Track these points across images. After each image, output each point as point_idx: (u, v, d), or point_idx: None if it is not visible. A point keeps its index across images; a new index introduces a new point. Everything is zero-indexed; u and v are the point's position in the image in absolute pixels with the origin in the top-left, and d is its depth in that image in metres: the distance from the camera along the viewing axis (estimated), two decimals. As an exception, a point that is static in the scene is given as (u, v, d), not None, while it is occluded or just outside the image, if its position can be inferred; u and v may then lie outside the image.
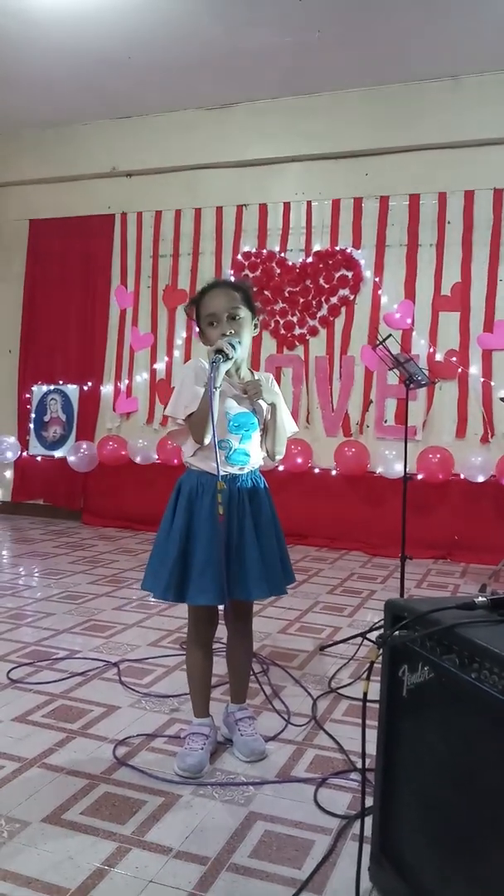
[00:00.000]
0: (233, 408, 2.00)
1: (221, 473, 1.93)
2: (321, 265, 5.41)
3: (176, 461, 5.52)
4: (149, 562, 2.06)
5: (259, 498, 2.03)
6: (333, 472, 5.27)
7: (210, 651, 2.11)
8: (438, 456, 4.95)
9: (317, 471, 5.32)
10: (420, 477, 4.90)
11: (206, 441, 1.94)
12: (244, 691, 2.19)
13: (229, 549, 1.95)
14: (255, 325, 2.06)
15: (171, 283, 5.89)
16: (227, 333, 1.96)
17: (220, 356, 1.88)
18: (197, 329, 2.09)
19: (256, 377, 2.06)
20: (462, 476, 4.93)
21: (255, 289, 2.14)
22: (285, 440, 2.10)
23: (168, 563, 1.95)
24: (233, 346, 1.91)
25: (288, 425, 2.10)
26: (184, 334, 5.83)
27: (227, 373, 1.99)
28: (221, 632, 2.14)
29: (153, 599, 3.67)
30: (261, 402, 2.01)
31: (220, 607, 2.08)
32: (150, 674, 2.66)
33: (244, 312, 2.00)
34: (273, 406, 2.03)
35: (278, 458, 2.11)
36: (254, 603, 2.16)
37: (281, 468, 5.10)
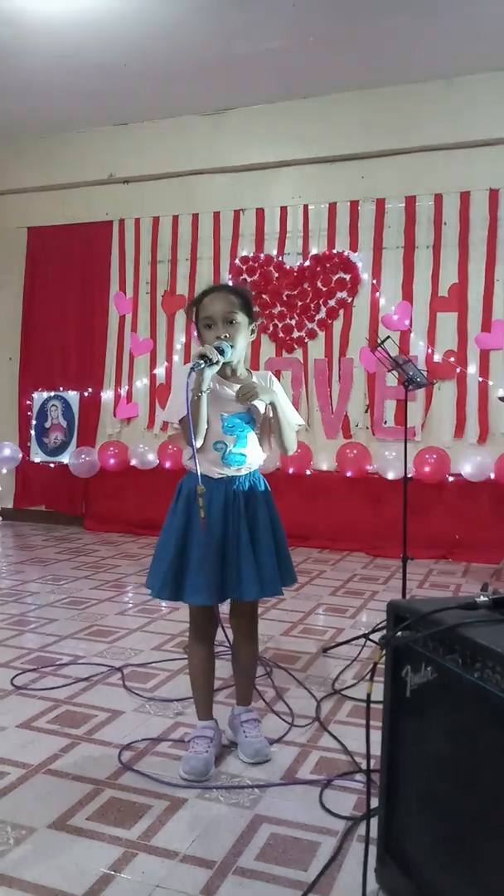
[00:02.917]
0: (227, 410, 2.02)
1: (218, 475, 2.01)
2: (319, 268, 5.43)
3: (173, 465, 5.53)
4: (151, 561, 2.09)
5: (256, 500, 2.05)
6: (334, 474, 5.26)
7: (210, 650, 2.11)
8: (442, 456, 4.95)
9: (318, 472, 5.32)
10: (423, 478, 4.90)
11: (198, 444, 1.97)
12: (250, 693, 2.19)
13: (225, 549, 1.98)
14: (253, 331, 2.08)
15: (169, 288, 5.90)
16: (221, 337, 1.97)
17: (203, 361, 1.88)
18: (195, 331, 2.11)
19: (254, 378, 2.07)
20: (461, 476, 4.93)
21: (253, 293, 2.15)
22: (293, 434, 2.10)
23: (165, 562, 1.99)
24: (221, 350, 1.92)
25: (292, 419, 2.11)
26: (183, 339, 5.84)
27: (223, 375, 2.02)
28: (222, 635, 2.14)
29: (155, 603, 3.69)
30: (257, 403, 2.02)
31: (224, 609, 2.10)
32: (153, 678, 2.66)
33: (241, 317, 2.01)
34: (272, 405, 2.03)
35: (291, 452, 2.12)
36: (258, 605, 2.17)
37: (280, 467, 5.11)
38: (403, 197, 5.23)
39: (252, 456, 2.06)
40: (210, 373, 1.92)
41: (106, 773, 1.95)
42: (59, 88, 5.26)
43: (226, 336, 1.97)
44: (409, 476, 3.46)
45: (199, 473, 1.90)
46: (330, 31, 4.45)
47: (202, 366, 1.88)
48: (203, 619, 2.06)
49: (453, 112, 4.99)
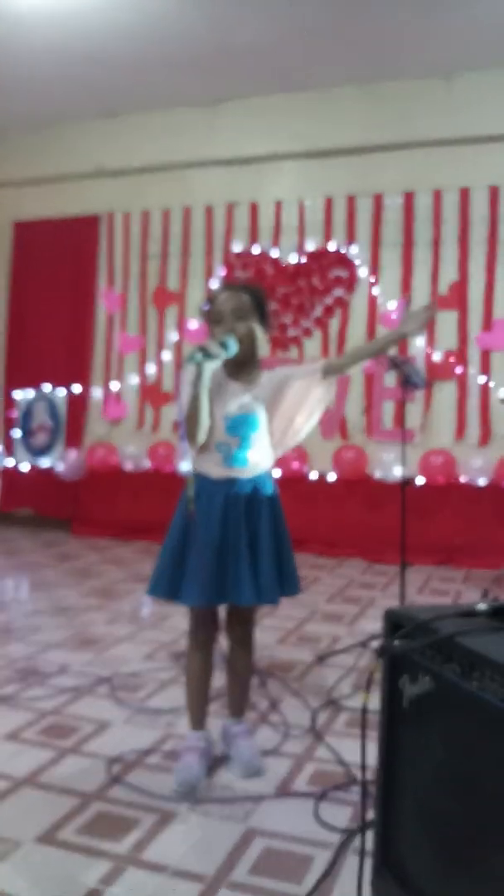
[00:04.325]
0: (231, 409, 1.98)
1: (218, 476, 1.98)
2: (315, 265, 5.37)
3: (164, 467, 5.46)
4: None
5: (258, 504, 2.01)
6: (331, 477, 5.20)
7: (208, 657, 2.07)
8: (441, 459, 4.89)
9: (314, 475, 5.26)
10: (423, 481, 4.83)
11: (200, 441, 1.95)
12: (242, 704, 2.15)
13: (224, 552, 1.95)
14: (265, 330, 2.04)
15: (159, 284, 5.83)
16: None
17: (200, 354, 1.84)
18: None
19: (266, 378, 2.03)
20: (462, 479, 4.87)
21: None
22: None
23: (163, 561, 1.99)
24: (224, 345, 1.88)
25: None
26: (175, 336, 5.77)
27: (230, 373, 1.99)
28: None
29: (146, 611, 3.63)
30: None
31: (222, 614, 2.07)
32: (143, 688, 2.61)
33: (251, 316, 1.99)
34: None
35: (331, 376, 2.03)
36: (255, 612, 2.13)
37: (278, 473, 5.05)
38: (402, 193, 5.17)
39: (257, 458, 2.02)
40: (210, 366, 1.88)
41: (94, 786, 1.92)
42: (47, 80, 5.17)
43: (232, 331, 1.95)
44: (408, 479, 3.41)
45: (191, 465, 1.90)
46: (327, 24, 4.40)
47: (199, 358, 1.84)
48: (201, 623, 2.03)
49: (453, 107, 4.94)
